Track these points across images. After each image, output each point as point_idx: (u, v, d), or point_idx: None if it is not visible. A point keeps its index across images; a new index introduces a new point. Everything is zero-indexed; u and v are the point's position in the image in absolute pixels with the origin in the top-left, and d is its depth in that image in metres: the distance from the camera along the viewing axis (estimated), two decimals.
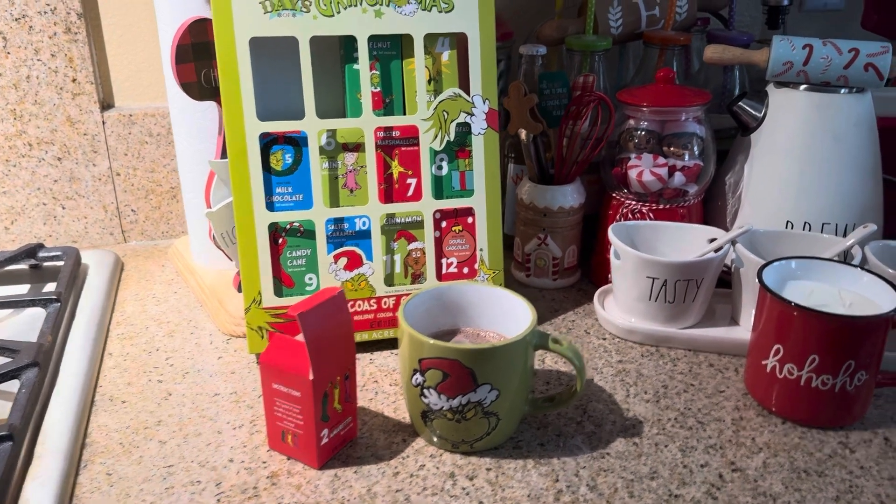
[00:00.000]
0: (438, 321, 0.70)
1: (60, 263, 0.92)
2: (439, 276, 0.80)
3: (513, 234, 0.97)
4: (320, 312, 0.60)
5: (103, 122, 0.98)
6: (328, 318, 0.61)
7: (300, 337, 0.60)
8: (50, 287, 0.91)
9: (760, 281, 0.70)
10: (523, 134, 0.91)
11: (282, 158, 0.76)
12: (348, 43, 0.75)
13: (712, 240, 0.84)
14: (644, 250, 0.84)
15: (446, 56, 0.78)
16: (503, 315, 0.69)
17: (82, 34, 0.93)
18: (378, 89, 0.77)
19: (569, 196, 0.91)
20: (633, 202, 0.90)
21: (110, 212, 1.02)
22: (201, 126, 0.86)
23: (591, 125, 0.91)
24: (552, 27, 0.99)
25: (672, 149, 0.88)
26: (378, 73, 0.77)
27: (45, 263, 0.94)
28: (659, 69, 0.88)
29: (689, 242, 0.85)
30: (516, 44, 1.01)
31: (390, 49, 0.77)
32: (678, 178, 0.88)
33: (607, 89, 0.98)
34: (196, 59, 0.76)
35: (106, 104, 1.00)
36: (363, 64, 0.75)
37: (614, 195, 0.92)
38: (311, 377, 0.60)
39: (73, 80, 0.95)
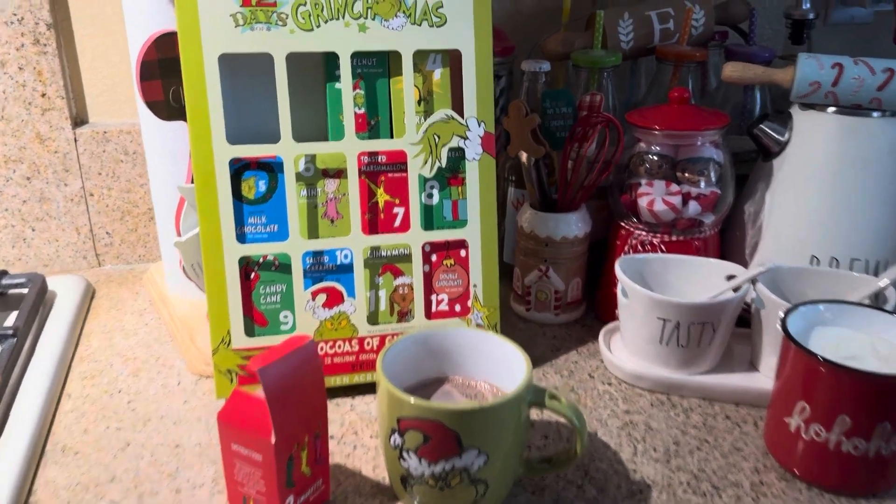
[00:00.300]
0: (424, 368, 0.63)
1: (25, 291, 0.86)
2: (428, 315, 0.73)
3: (512, 263, 0.90)
4: (285, 365, 0.53)
5: (75, 140, 0.91)
6: (295, 371, 0.54)
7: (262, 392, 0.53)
8: (11, 318, 0.84)
9: (784, 330, 0.62)
10: (524, 157, 0.84)
11: (254, 186, 0.69)
12: (330, 60, 0.68)
13: (730, 277, 0.76)
14: (655, 287, 0.77)
15: (438, 74, 0.71)
16: (495, 363, 0.62)
17: (52, 46, 0.87)
18: (362, 110, 0.71)
19: (573, 225, 0.83)
20: (644, 232, 0.82)
21: (83, 234, 0.96)
22: (174, 146, 0.80)
23: (598, 148, 0.84)
24: (557, 41, 0.91)
25: (686, 175, 0.81)
26: (363, 92, 0.70)
27: (10, 291, 0.87)
28: (673, 88, 0.81)
29: (705, 279, 0.77)
30: (518, 59, 0.93)
31: (376, 67, 0.70)
32: (693, 207, 0.80)
33: (616, 109, 0.91)
34: (163, 76, 0.69)
35: (78, 120, 0.93)
36: (346, 83, 0.68)
37: (623, 224, 0.84)
38: (272, 440, 0.52)
39: (43, 95, 0.89)
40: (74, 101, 0.93)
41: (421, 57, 0.70)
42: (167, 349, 0.81)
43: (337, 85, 0.70)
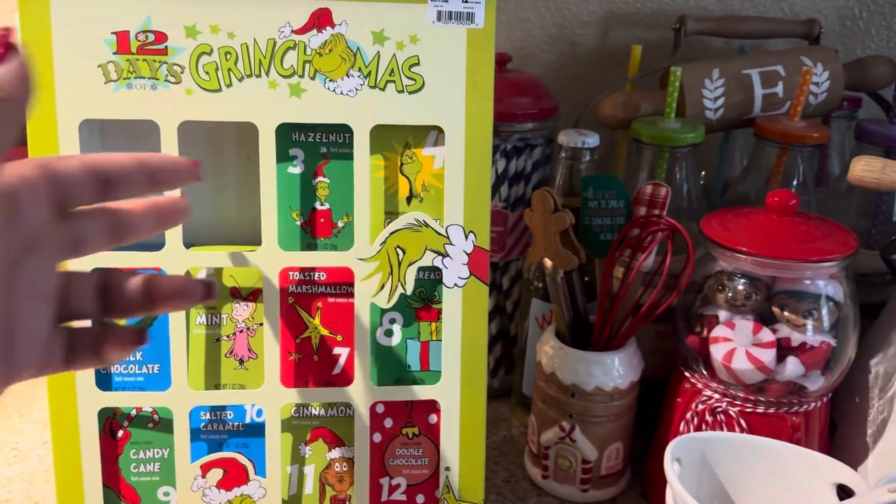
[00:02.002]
0: None
1: None
2: None
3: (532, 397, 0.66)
4: None
5: None
6: None
7: None
8: None
9: None
10: (549, 265, 0.60)
11: None
12: (283, 131, 0.47)
13: (841, 489, 0.50)
14: (728, 483, 0.51)
15: (440, 161, 0.48)
16: None
17: None
18: (326, 206, 0.49)
19: (613, 371, 0.58)
20: (717, 394, 0.57)
21: None
22: None
23: (657, 262, 0.59)
24: (615, 104, 0.67)
25: (786, 313, 0.55)
26: (327, 180, 0.48)
27: None
28: (774, 188, 0.55)
29: (803, 482, 0.51)
30: (562, 123, 0.69)
31: (348, 144, 0.48)
32: (793, 365, 0.54)
33: (694, 202, 0.65)
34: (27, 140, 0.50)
35: None
36: (267, 165, 0.46)
37: (688, 374, 0.59)
38: None
39: None
40: None
41: (414, 134, 0.48)
42: (52, 491, 0.61)
43: (290, 168, 0.48)
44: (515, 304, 0.72)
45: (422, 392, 0.49)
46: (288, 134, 0.48)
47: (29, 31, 0.43)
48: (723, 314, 0.57)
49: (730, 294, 0.57)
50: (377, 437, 0.50)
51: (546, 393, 0.61)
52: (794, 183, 0.65)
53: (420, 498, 0.51)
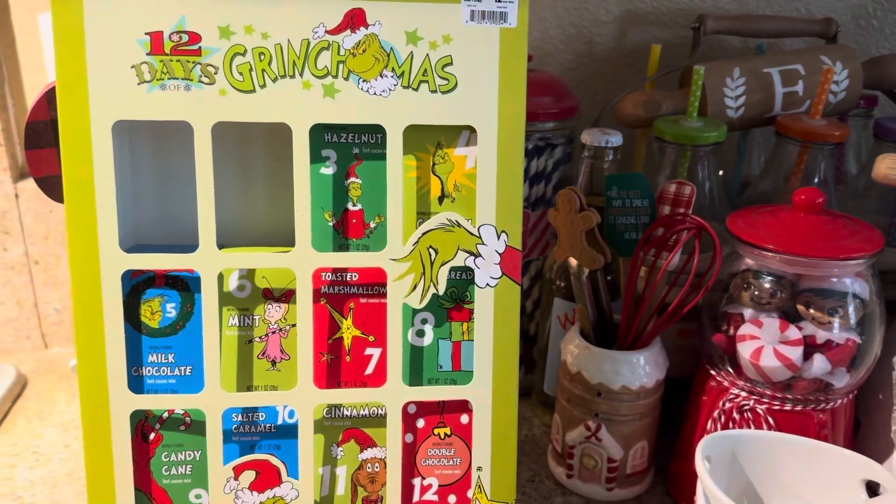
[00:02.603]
0: None
1: None
2: None
3: (555, 396, 0.66)
4: None
5: (17, 196, 0.73)
6: None
7: None
8: None
9: None
10: (574, 264, 0.60)
11: (160, 310, 0.48)
12: (316, 131, 0.47)
13: (870, 485, 0.50)
14: (756, 482, 0.52)
15: (472, 161, 0.48)
16: None
17: None
18: (358, 207, 0.49)
19: (639, 370, 0.58)
20: (744, 392, 0.57)
21: (26, 309, 0.77)
22: None
23: (682, 261, 0.60)
24: (636, 102, 0.67)
25: (812, 311, 0.55)
26: (360, 181, 0.48)
27: None
28: (799, 187, 0.55)
29: (831, 479, 0.51)
30: (582, 123, 0.70)
31: (381, 145, 0.48)
32: (819, 363, 0.54)
33: (716, 201, 0.65)
34: (59, 142, 0.49)
35: (24, 172, 0.75)
36: (301, 165, 0.46)
37: (714, 373, 0.59)
38: None
39: None
40: (19, 149, 0.74)
41: (447, 133, 0.48)
42: (75, 494, 0.60)
43: (323, 169, 0.48)
44: (535, 303, 0.72)
45: (453, 392, 0.49)
46: (320, 134, 0.48)
47: (62, 32, 0.43)
48: (748, 312, 0.57)
49: (756, 292, 0.57)
50: (409, 438, 0.50)
51: (571, 392, 0.61)
52: (815, 181, 0.65)
53: (452, 498, 0.50)
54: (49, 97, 0.48)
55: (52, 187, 0.50)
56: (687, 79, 0.70)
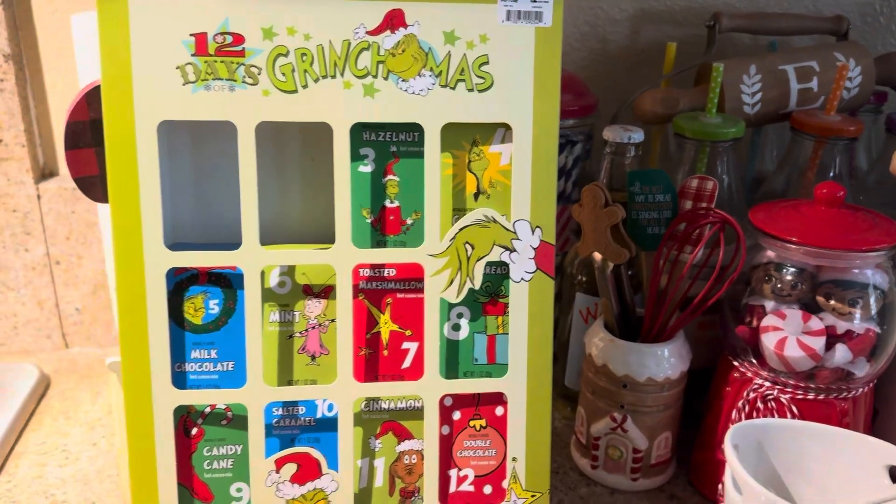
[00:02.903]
0: None
1: None
2: (444, 497, 0.51)
3: (576, 390, 0.67)
4: None
5: (38, 197, 0.74)
6: None
7: None
8: None
9: None
10: (598, 259, 0.61)
11: (203, 306, 0.48)
12: (354, 130, 0.47)
13: (893, 471, 0.51)
14: (781, 470, 0.53)
15: (507, 158, 0.49)
16: None
17: (10, 82, 0.70)
18: (396, 204, 0.49)
19: (664, 362, 0.60)
20: (767, 382, 0.58)
21: (47, 309, 0.78)
22: None
23: (705, 254, 0.61)
24: (655, 100, 0.68)
25: (833, 302, 0.56)
26: (397, 178, 0.49)
27: None
28: (820, 183, 0.57)
29: (855, 466, 0.53)
30: (601, 119, 0.71)
31: (418, 143, 0.49)
32: (841, 352, 0.56)
33: (734, 196, 0.67)
34: (98, 142, 0.50)
35: (45, 172, 0.76)
36: (341, 162, 0.47)
37: (736, 364, 0.60)
38: None
39: None
40: (41, 150, 0.75)
41: (482, 131, 0.49)
42: (107, 492, 0.61)
43: (362, 167, 0.49)
44: (556, 298, 0.73)
45: (489, 385, 0.50)
46: (359, 133, 0.48)
47: (107, 33, 0.44)
48: (769, 304, 0.59)
49: (777, 284, 0.58)
50: (446, 430, 0.51)
51: (596, 384, 0.62)
52: (831, 175, 0.67)
53: (487, 488, 0.51)
54: (89, 98, 0.49)
55: (91, 187, 0.51)
56: (703, 76, 0.71)
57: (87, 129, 0.50)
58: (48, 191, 0.74)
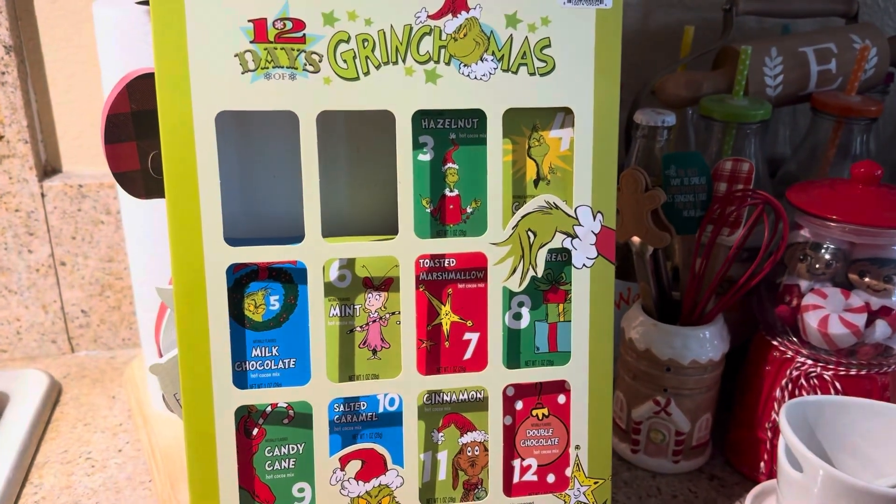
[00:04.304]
0: None
1: None
2: (508, 488, 0.50)
3: None
4: None
5: (42, 195, 0.70)
6: None
7: None
8: None
9: None
10: (637, 243, 0.61)
11: (264, 303, 0.47)
12: (415, 118, 0.46)
13: None
14: (828, 447, 0.54)
15: (567, 143, 0.48)
16: None
17: (12, 75, 0.66)
18: (455, 192, 0.48)
19: (707, 345, 0.60)
20: (809, 360, 0.59)
21: (52, 313, 0.75)
22: (161, 221, 0.58)
23: (741, 236, 0.61)
24: (679, 83, 0.68)
25: (867, 279, 0.58)
26: (456, 166, 0.48)
27: None
28: (857, 162, 0.58)
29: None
30: (625, 103, 0.70)
31: (477, 130, 0.48)
32: (882, 328, 0.57)
33: (761, 178, 0.67)
34: (140, 135, 0.48)
35: (48, 169, 0.72)
36: (403, 150, 0.45)
37: (776, 343, 0.61)
38: None
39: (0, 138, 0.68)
40: (43, 146, 0.72)
41: (542, 116, 0.48)
42: (141, 498, 0.59)
43: (421, 156, 0.48)
44: None
45: (551, 373, 0.50)
46: (418, 121, 0.47)
47: (162, 21, 0.41)
48: (803, 284, 0.60)
49: (816, 264, 0.59)
50: (508, 420, 0.50)
51: (637, 369, 0.62)
52: (852, 155, 0.68)
53: (551, 477, 0.51)
54: (130, 89, 0.47)
55: (131, 183, 0.49)
56: (722, 60, 0.71)
57: (128, 121, 0.47)
58: (52, 188, 0.70)
